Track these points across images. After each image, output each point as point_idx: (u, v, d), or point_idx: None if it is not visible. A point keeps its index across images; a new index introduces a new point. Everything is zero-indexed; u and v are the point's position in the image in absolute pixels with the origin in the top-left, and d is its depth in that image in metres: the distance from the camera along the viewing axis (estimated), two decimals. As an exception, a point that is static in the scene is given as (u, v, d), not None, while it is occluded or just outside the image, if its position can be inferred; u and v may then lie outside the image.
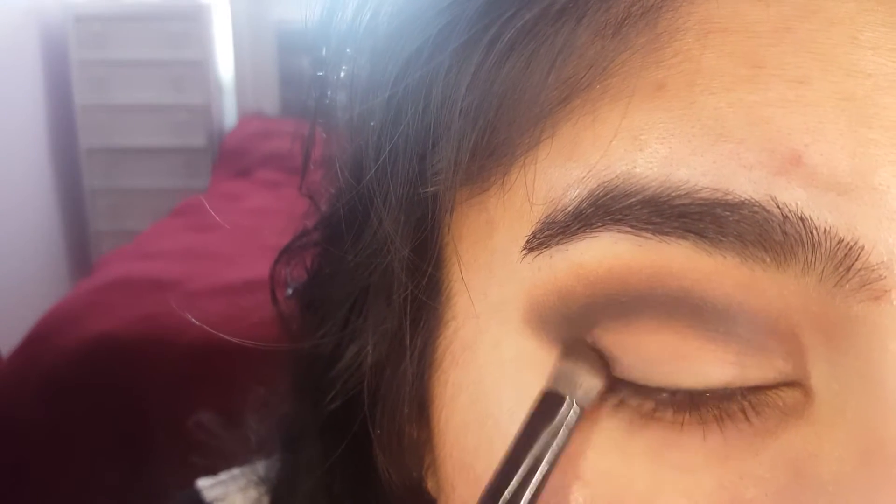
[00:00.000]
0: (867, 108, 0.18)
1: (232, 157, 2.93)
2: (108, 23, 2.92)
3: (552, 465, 0.21)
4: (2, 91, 2.54)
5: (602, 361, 0.21)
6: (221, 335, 0.34)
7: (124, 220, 2.97)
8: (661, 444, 0.20)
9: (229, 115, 3.26)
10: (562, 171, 0.21)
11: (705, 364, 0.20)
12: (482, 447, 0.23)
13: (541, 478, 0.21)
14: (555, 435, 0.21)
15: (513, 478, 0.21)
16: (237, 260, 1.78)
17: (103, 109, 2.97)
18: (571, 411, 0.21)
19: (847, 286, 0.18)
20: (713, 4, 0.19)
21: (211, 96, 3.02)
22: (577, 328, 0.21)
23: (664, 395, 0.20)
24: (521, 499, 0.20)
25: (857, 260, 0.18)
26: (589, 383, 0.21)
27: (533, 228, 0.21)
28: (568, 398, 0.21)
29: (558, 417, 0.21)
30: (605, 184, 0.20)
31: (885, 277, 0.18)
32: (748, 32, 0.19)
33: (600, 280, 0.20)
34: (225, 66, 3.18)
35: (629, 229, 0.19)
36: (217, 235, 2.04)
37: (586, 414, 0.21)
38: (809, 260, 0.18)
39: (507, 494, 0.20)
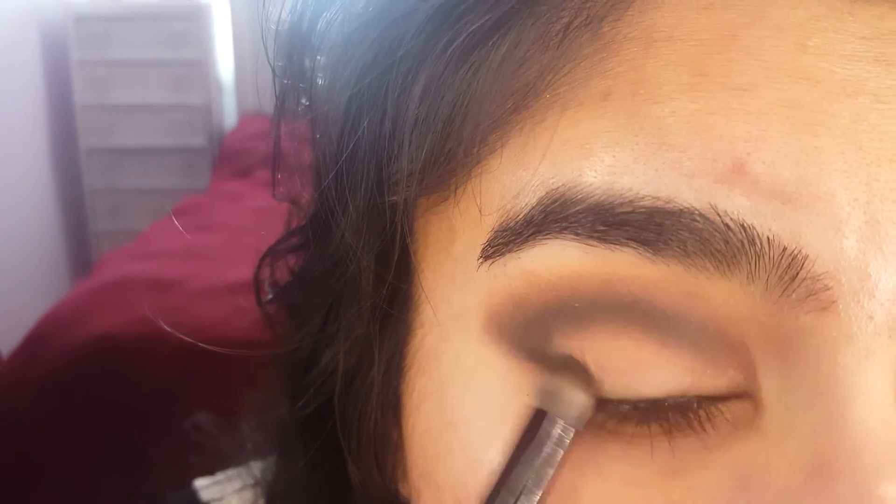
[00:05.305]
0: (813, 115, 0.18)
1: (232, 157, 2.93)
2: (108, 23, 2.91)
3: (541, 485, 0.20)
4: (2, 91, 2.54)
5: (586, 376, 0.20)
6: (206, 345, 0.34)
7: (124, 220, 2.97)
8: (610, 458, 0.20)
9: (229, 115, 3.25)
10: (513, 178, 0.21)
11: (662, 371, 0.20)
12: (441, 455, 0.23)
13: (533, 497, 0.20)
14: (539, 454, 0.20)
15: (497, 500, 0.20)
16: (237, 260, 1.77)
17: (103, 109, 2.96)
18: (559, 429, 0.20)
19: (793, 296, 0.18)
20: (659, 13, 0.19)
21: (211, 96, 3.02)
22: (534, 335, 0.21)
23: (625, 407, 0.20)
24: None
25: (801, 269, 0.18)
26: (576, 399, 0.20)
27: (488, 237, 0.21)
28: (551, 416, 0.20)
29: (543, 436, 0.20)
30: (553, 192, 0.20)
31: (832, 288, 0.18)
32: (693, 41, 0.19)
33: (552, 287, 0.20)
34: (225, 66, 3.18)
35: (574, 237, 0.19)
36: (217, 235, 2.04)
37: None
38: (753, 269, 0.18)
39: None
